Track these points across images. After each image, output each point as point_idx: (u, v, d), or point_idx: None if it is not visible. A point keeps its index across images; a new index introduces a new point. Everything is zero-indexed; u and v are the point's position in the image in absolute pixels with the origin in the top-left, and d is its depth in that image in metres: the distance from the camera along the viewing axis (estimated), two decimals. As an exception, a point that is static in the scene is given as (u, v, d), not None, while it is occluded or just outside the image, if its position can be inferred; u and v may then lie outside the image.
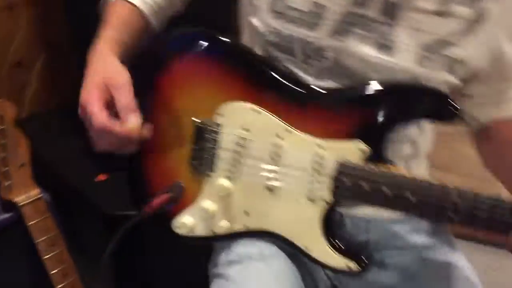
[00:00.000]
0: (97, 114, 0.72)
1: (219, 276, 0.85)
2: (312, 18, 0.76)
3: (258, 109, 0.78)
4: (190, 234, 0.86)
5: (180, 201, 0.84)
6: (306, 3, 0.76)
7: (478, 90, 0.87)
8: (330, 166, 0.74)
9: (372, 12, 0.76)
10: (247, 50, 0.84)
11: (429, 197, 0.69)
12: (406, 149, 0.86)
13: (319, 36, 0.77)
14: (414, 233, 0.90)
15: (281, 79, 0.79)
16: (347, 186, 0.73)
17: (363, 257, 0.78)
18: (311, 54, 0.78)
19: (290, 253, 0.84)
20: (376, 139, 0.74)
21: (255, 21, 0.81)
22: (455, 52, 0.79)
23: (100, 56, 0.79)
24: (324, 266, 0.79)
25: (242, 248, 0.85)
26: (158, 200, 0.83)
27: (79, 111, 0.76)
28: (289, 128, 0.77)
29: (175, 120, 0.85)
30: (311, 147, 0.75)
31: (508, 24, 0.81)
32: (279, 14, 0.78)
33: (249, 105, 0.79)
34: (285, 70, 0.80)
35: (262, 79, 0.80)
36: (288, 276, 0.83)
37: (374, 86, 0.75)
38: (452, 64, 0.80)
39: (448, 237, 0.93)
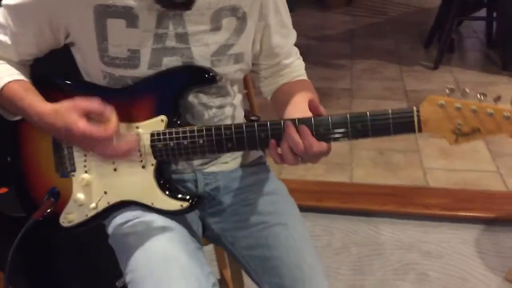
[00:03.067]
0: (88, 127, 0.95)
1: (120, 236, 1.10)
2: (132, 61, 1.05)
3: (88, 114, 1.06)
4: (72, 224, 1.13)
5: (59, 201, 1.12)
6: (123, 51, 1.03)
7: (263, 67, 1.22)
8: (146, 137, 1.04)
9: (170, 43, 1.05)
10: (81, 82, 1.14)
11: (209, 136, 1.00)
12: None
13: (142, 71, 1.06)
14: (245, 177, 1.23)
15: (103, 92, 1.08)
16: (160, 148, 1.03)
17: (190, 197, 1.07)
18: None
19: None
20: (172, 109, 1.04)
21: (92, 69, 1.09)
22: (236, 49, 1.11)
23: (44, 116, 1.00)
24: (167, 212, 1.08)
25: (125, 214, 1.11)
26: (42, 207, 1.10)
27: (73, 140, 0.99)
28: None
29: (39, 141, 1.12)
30: (132, 130, 1.04)
31: (262, 15, 1.14)
32: (108, 63, 1.05)
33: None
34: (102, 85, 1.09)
35: (90, 95, 1.04)
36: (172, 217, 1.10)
37: (156, 76, 1.05)
38: (237, 57, 1.13)
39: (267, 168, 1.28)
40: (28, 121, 1.06)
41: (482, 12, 3.91)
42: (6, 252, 1.12)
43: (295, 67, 1.24)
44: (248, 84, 1.47)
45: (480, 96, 0.88)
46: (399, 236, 2.17)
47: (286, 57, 1.22)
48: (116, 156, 1.01)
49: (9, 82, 1.05)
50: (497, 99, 0.86)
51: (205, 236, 1.25)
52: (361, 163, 2.65)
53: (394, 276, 1.97)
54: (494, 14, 3.81)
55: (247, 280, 1.46)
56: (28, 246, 1.36)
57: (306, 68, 1.27)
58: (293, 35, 1.22)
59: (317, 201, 2.33)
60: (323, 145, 0.96)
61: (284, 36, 1.20)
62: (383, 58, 3.87)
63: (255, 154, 1.28)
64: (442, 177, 2.50)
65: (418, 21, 4.56)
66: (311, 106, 0.97)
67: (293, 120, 0.96)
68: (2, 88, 1.04)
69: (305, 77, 1.25)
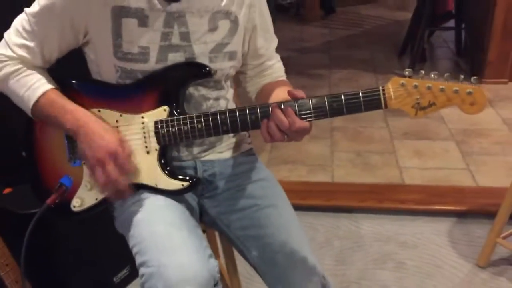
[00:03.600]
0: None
1: (127, 215, 1.21)
2: (142, 56, 1.18)
3: (99, 109, 1.20)
4: (83, 207, 1.24)
5: (71, 188, 1.24)
6: (135, 48, 1.17)
7: (250, 67, 1.37)
8: (151, 125, 1.17)
9: (174, 41, 1.19)
10: (91, 81, 1.27)
11: (207, 121, 1.14)
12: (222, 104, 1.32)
13: (151, 66, 1.19)
14: (238, 165, 1.36)
15: (110, 89, 1.22)
16: (163, 134, 1.17)
17: (190, 178, 1.20)
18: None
19: None
20: (174, 100, 1.18)
21: (105, 65, 1.21)
22: (230, 47, 1.26)
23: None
24: (170, 192, 1.21)
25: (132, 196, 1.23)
26: (56, 193, 1.22)
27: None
28: (122, 114, 1.19)
29: (53, 136, 1.25)
30: (138, 120, 1.18)
31: (250, 19, 1.29)
32: (121, 58, 1.18)
33: (95, 109, 1.20)
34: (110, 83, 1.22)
35: (100, 92, 1.22)
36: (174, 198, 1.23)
37: (160, 72, 1.19)
38: (231, 55, 1.27)
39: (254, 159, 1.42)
40: (60, 125, 1.17)
41: (451, 23, 4.14)
42: (17, 245, 1.21)
43: (276, 68, 1.40)
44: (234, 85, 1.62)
45: (434, 76, 1.05)
46: (378, 229, 2.32)
47: (269, 59, 1.38)
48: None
49: (46, 91, 1.16)
50: (448, 77, 1.04)
51: (202, 221, 1.37)
52: (341, 164, 2.81)
53: (374, 266, 2.11)
54: (463, 25, 4.03)
55: (240, 268, 1.59)
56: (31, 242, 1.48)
57: (287, 79, 1.42)
58: (275, 40, 1.39)
59: (301, 199, 2.46)
60: (304, 123, 1.11)
61: (267, 40, 1.36)
62: (359, 67, 4.08)
63: (246, 146, 1.42)
64: (417, 175, 2.67)
65: (392, 33, 4.81)
66: (290, 94, 1.12)
67: (279, 103, 1.12)
68: (40, 96, 1.16)
69: (285, 78, 1.41)
